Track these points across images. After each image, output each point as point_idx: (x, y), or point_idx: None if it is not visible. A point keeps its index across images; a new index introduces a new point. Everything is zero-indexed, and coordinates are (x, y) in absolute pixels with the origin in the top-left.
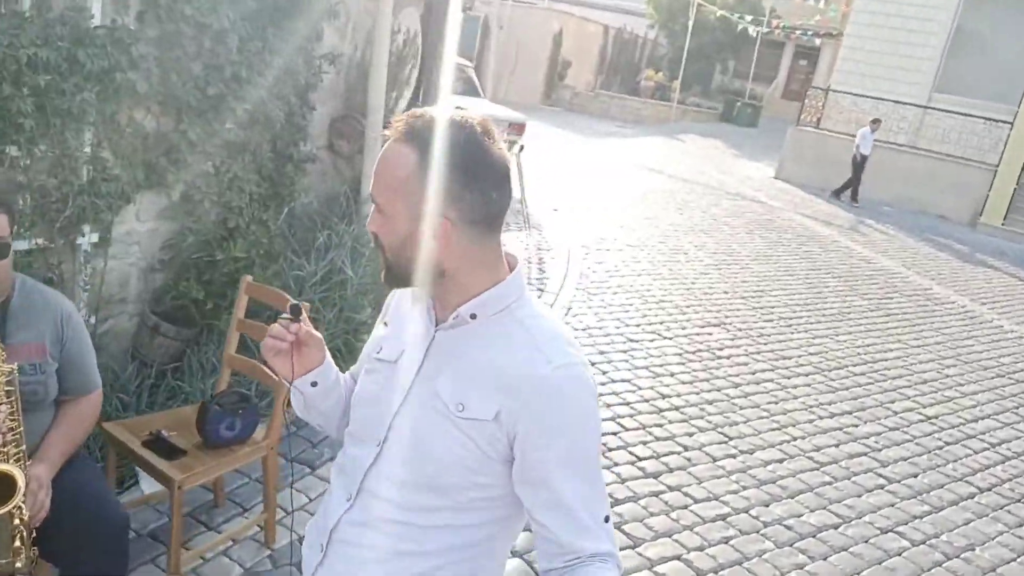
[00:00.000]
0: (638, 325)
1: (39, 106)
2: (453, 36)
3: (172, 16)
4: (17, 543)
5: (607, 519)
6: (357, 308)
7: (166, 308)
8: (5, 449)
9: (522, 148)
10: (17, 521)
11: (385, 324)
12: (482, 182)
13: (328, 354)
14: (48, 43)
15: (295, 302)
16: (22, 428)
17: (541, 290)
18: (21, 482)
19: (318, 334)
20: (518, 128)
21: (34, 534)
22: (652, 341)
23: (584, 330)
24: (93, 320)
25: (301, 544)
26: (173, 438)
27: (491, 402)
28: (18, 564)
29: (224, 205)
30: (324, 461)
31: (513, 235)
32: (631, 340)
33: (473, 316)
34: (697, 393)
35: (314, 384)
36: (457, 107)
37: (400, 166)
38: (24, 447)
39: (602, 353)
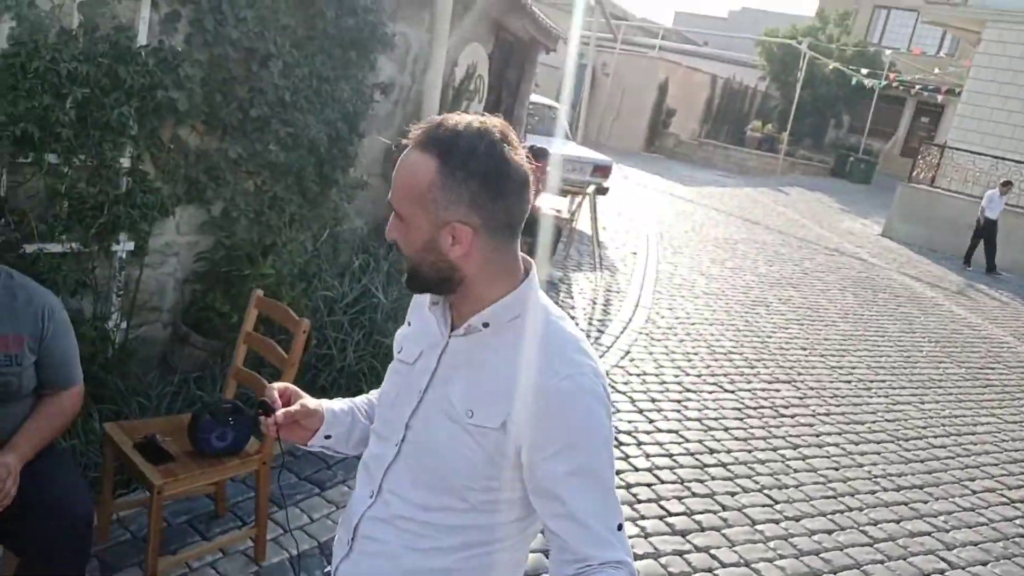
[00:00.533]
0: (699, 375)
1: (80, 117)
2: (530, 77)
3: (219, 40)
4: None
5: (620, 527)
6: (386, 332)
7: (196, 319)
8: None
9: (606, 190)
10: None
11: (409, 324)
12: (503, 189)
13: (334, 404)
14: (89, 59)
15: (263, 399)
16: None
17: (601, 331)
18: None
19: (302, 405)
20: (603, 171)
21: None
22: (711, 393)
23: (639, 375)
24: (125, 325)
25: (291, 564)
26: (166, 443)
27: (498, 411)
28: None
29: (263, 223)
30: (336, 483)
31: (583, 275)
32: (687, 390)
33: (486, 325)
34: (749, 451)
35: (328, 436)
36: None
37: (421, 174)
38: None
39: (653, 401)
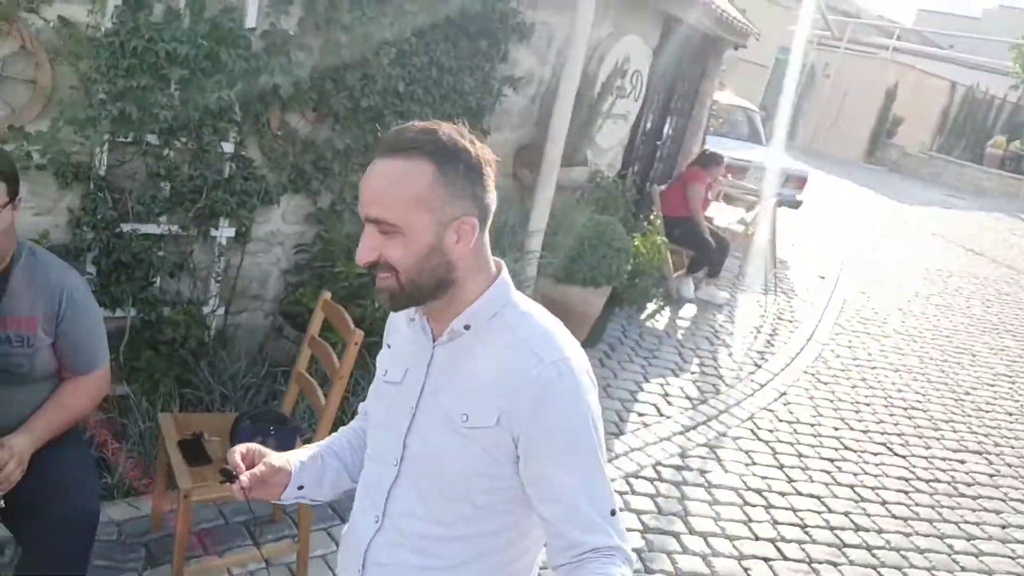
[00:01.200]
0: (864, 431)
1: (182, 100)
2: (712, 74)
3: (331, 24)
4: None
5: (613, 512)
6: None
7: (294, 311)
8: None
9: (799, 204)
10: None
11: (388, 346)
12: (486, 179)
13: (299, 454)
14: (190, 40)
15: (224, 467)
16: None
17: (759, 365)
18: None
19: (267, 464)
20: (798, 181)
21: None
22: (875, 455)
23: (790, 423)
24: (222, 311)
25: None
26: (211, 443)
27: (492, 408)
28: None
29: None
30: None
31: (753, 298)
32: (846, 448)
33: (467, 327)
34: (907, 535)
35: (300, 487)
36: (707, 149)
37: (415, 176)
38: None
39: (800, 456)
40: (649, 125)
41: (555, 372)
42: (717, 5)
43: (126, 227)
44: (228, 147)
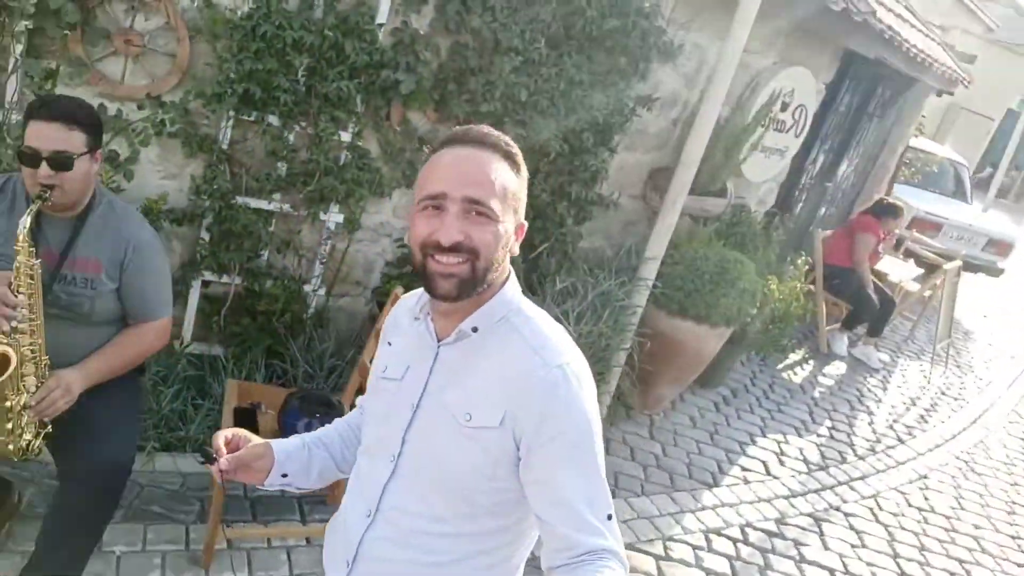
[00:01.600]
0: (1013, 537)
1: (307, 86)
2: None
3: (461, 26)
4: (9, 425)
5: (610, 517)
6: None
7: (383, 302)
8: (16, 337)
9: (1000, 272)
10: (11, 404)
11: (389, 344)
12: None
13: (285, 442)
14: (316, 30)
15: (205, 448)
16: (40, 322)
17: (901, 440)
18: (14, 360)
19: (250, 448)
20: (1002, 247)
21: (47, 429)
22: (1020, 567)
23: (922, 510)
24: (323, 292)
25: None
26: (265, 416)
27: (496, 409)
28: (9, 447)
29: None
30: None
31: (918, 366)
32: (983, 551)
33: (475, 330)
34: None
35: (284, 475)
36: (892, 199)
37: (511, 178)
38: (41, 341)
39: (923, 549)
40: (819, 165)
41: (560, 375)
42: (912, 44)
43: (239, 200)
44: (346, 136)
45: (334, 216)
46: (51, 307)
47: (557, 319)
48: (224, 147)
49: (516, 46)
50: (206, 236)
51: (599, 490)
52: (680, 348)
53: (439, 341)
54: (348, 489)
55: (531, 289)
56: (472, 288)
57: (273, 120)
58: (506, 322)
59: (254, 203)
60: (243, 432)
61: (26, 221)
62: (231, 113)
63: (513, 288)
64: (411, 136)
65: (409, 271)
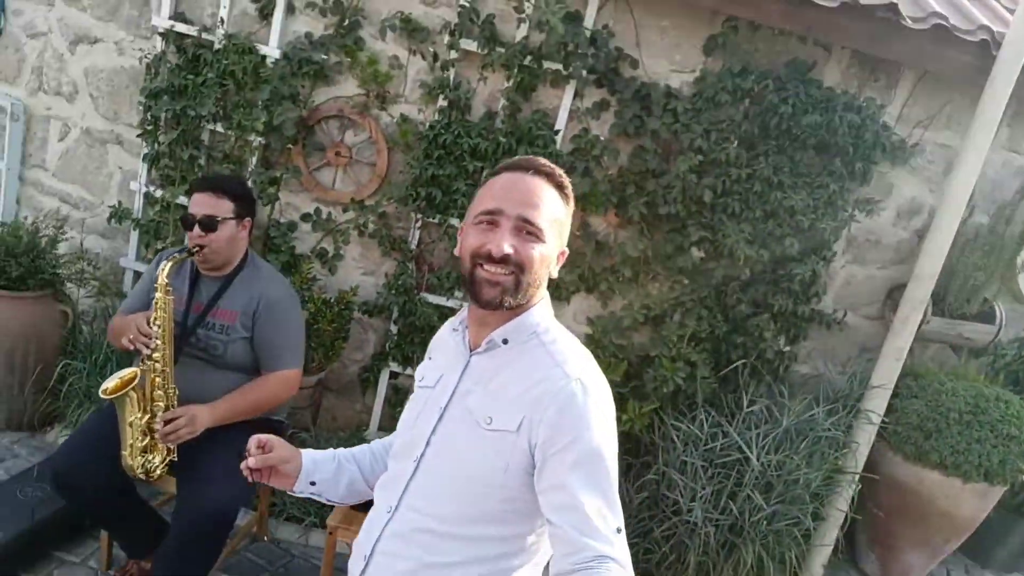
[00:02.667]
0: None
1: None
2: None
3: (640, 130)
4: (130, 440)
5: (619, 530)
6: (753, 509)
7: None
8: (148, 363)
9: None
10: (133, 420)
11: (430, 359)
12: None
13: (316, 453)
14: (488, 136)
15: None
16: (169, 352)
17: None
18: (138, 377)
19: (277, 452)
20: None
21: (172, 456)
22: None
23: None
24: None
25: None
26: None
27: (516, 414)
28: (131, 462)
29: (654, 328)
30: None
31: None
32: None
33: (505, 341)
34: None
35: (313, 483)
36: None
37: (560, 206)
38: (170, 370)
39: None
40: None
41: (580, 388)
42: None
43: (422, 296)
44: None
45: None
46: (193, 348)
47: (747, 445)
48: (413, 247)
49: (699, 146)
50: (394, 328)
51: (610, 502)
52: (922, 504)
53: (471, 351)
54: (376, 492)
55: (715, 406)
56: (513, 297)
57: (454, 222)
58: (535, 337)
59: (435, 299)
60: (278, 440)
61: (166, 265)
62: (418, 215)
63: (545, 308)
64: (590, 240)
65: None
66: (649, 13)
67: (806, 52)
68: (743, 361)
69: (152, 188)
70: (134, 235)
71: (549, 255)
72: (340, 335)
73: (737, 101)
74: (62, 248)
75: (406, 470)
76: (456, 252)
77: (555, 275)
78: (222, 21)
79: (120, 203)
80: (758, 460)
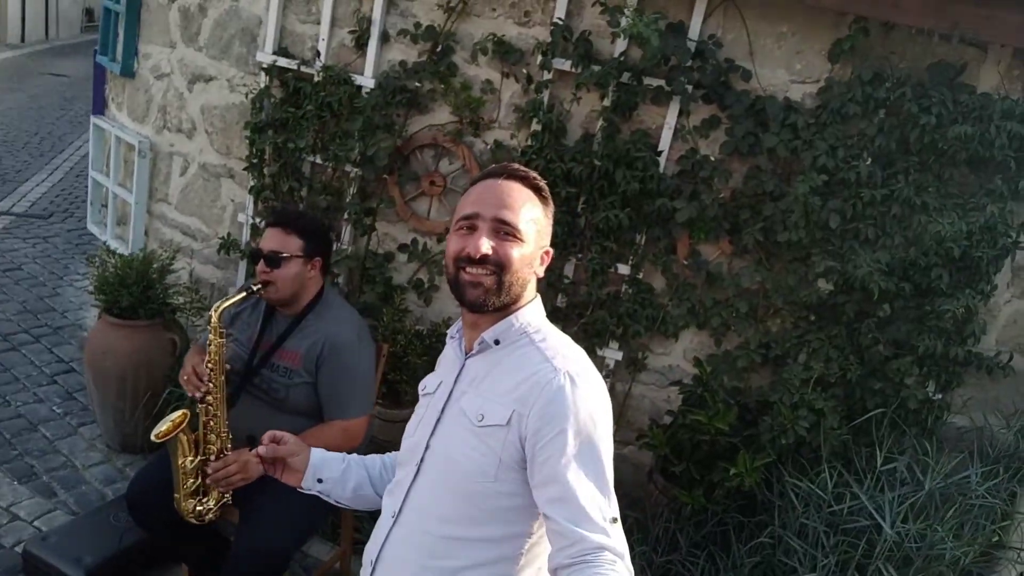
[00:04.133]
0: None
1: (582, 218)
2: None
3: (755, 150)
4: (182, 482)
5: (615, 520)
6: None
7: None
8: (202, 407)
9: None
10: (183, 462)
11: (436, 370)
12: None
13: (327, 452)
14: (583, 160)
15: (250, 434)
16: (222, 396)
17: None
18: (187, 419)
19: (288, 447)
20: None
21: (225, 500)
22: None
23: None
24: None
25: None
26: None
27: (506, 409)
28: (183, 504)
29: (774, 370)
30: None
31: None
32: None
33: (497, 342)
34: None
35: (320, 480)
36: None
37: (538, 208)
38: (221, 414)
39: None
40: None
41: (567, 380)
42: None
43: None
44: (624, 269)
45: (612, 353)
46: (255, 389)
47: (879, 510)
48: None
49: (823, 165)
50: None
51: (604, 493)
52: None
53: (466, 355)
54: (383, 498)
55: (844, 462)
56: (497, 297)
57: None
58: (526, 336)
59: None
60: (292, 436)
61: (221, 305)
62: None
63: (536, 309)
64: (700, 270)
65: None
66: (763, 19)
67: (953, 53)
68: (880, 411)
69: (258, 220)
70: (242, 265)
71: (529, 254)
72: (433, 368)
73: (869, 113)
74: (181, 277)
75: (408, 475)
76: (445, 261)
77: (540, 274)
78: (319, 54)
79: (229, 234)
80: (892, 528)
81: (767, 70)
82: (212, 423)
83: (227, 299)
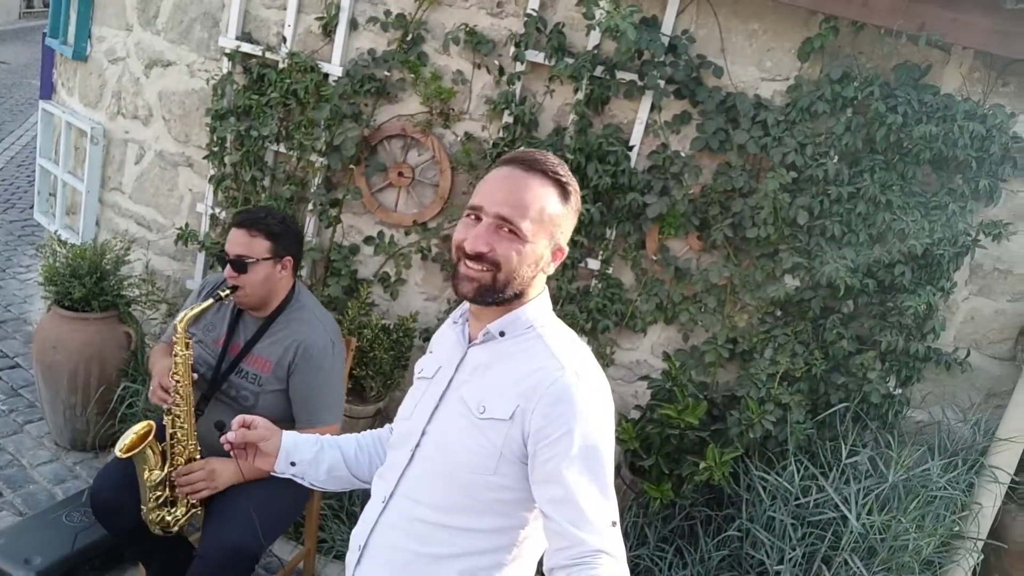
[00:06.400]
0: None
1: None
2: None
3: (725, 146)
4: (149, 495)
5: (614, 523)
6: None
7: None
8: (169, 419)
9: None
10: (148, 476)
11: (431, 352)
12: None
13: (299, 434)
14: (555, 153)
15: (218, 420)
16: (189, 408)
17: None
18: (152, 432)
19: (258, 431)
20: None
21: (196, 510)
22: None
23: None
24: None
25: None
26: None
27: (509, 403)
28: (151, 516)
29: (741, 365)
30: None
31: None
32: None
33: (502, 334)
34: None
35: (293, 464)
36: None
37: (553, 203)
38: (189, 426)
39: None
40: None
41: (574, 379)
42: None
43: None
44: (594, 263)
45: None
46: (223, 396)
47: (845, 502)
48: None
49: (792, 162)
50: None
51: (604, 495)
52: None
53: (470, 342)
54: (373, 483)
55: (809, 456)
56: (490, 295)
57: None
58: (532, 330)
59: None
60: (263, 420)
61: (186, 315)
62: None
63: (544, 303)
64: (669, 266)
65: (648, 421)
66: (736, 16)
67: (918, 54)
68: (844, 405)
69: (218, 210)
70: (200, 257)
71: (532, 254)
72: (399, 363)
73: (837, 111)
74: (136, 269)
75: (402, 459)
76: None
77: (550, 272)
78: (285, 40)
79: (187, 225)
80: (858, 520)
81: (738, 67)
82: (179, 434)
83: (193, 308)
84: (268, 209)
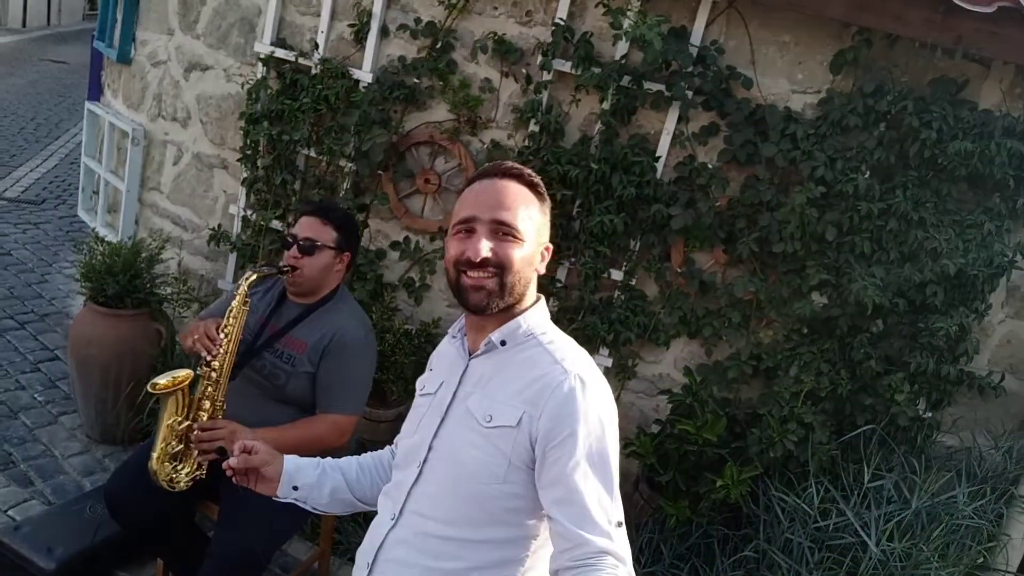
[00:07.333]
0: None
1: (577, 221)
2: None
3: (754, 159)
4: (163, 444)
5: (620, 524)
6: None
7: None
8: (205, 368)
9: None
10: (172, 422)
11: (431, 369)
12: None
13: (300, 458)
14: (580, 163)
15: (223, 448)
16: (228, 363)
17: None
18: (188, 379)
19: (260, 456)
20: None
21: (200, 472)
22: None
23: None
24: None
25: None
26: None
27: (515, 410)
28: (160, 463)
29: (765, 383)
30: None
31: None
32: None
33: (503, 343)
34: None
35: (295, 488)
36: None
37: (535, 206)
38: (223, 382)
39: None
40: None
41: (579, 383)
42: None
43: None
44: (617, 275)
45: (602, 359)
46: (254, 372)
47: (865, 527)
48: None
49: (822, 176)
50: None
51: (610, 496)
52: None
53: (470, 355)
54: (380, 498)
55: (831, 478)
56: (500, 298)
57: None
58: (532, 338)
59: None
60: (264, 445)
61: (251, 276)
62: None
63: (541, 311)
64: (693, 279)
65: (667, 436)
66: (766, 27)
67: (955, 68)
68: (870, 427)
69: (250, 212)
70: (232, 257)
71: (529, 253)
72: (421, 369)
73: (870, 125)
74: (170, 267)
75: (409, 476)
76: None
77: (542, 271)
78: (317, 46)
79: (220, 226)
80: (878, 546)
81: (768, 79)
82: (211, 390)
83: (259, 270)
84: (339, 206)
